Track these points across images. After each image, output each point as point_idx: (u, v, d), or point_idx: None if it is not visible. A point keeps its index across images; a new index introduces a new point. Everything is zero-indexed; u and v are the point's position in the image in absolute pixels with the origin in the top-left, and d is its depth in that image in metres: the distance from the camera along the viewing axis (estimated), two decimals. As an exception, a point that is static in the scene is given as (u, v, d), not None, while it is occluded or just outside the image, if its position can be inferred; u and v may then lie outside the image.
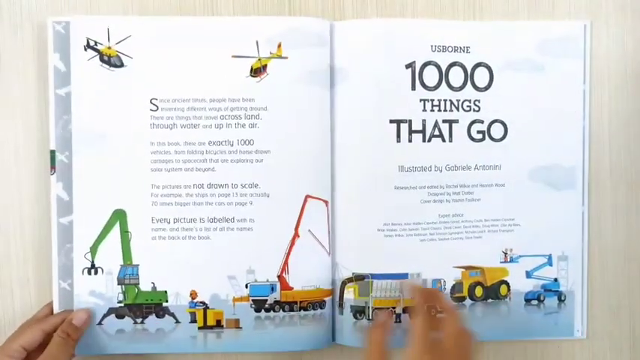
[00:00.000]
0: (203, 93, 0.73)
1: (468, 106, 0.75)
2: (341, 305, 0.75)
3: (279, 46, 0.73)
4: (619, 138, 0.77)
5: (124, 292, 0.73)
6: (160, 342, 0.74)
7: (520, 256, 0.77)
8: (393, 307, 0.75)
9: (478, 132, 0.76)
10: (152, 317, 0.74)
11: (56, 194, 0.72)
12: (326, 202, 0.74)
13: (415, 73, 0.74)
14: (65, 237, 0.72)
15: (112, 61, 0.73)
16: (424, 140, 0.75)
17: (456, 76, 0.75)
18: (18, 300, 0.75)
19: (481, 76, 0.75)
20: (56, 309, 0.72)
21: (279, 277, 0.74)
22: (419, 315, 0.64)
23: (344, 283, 0.75)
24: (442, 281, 0.76)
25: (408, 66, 0.74)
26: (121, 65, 0.73)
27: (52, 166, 0.72)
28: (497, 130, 0.76)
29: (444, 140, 0.75)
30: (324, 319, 0.75)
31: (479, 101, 0.75)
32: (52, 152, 0.72)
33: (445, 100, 0.75)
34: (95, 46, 0.72)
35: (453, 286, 0.76)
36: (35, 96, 0.74)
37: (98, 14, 0.74)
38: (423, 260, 0.75)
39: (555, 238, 0.77)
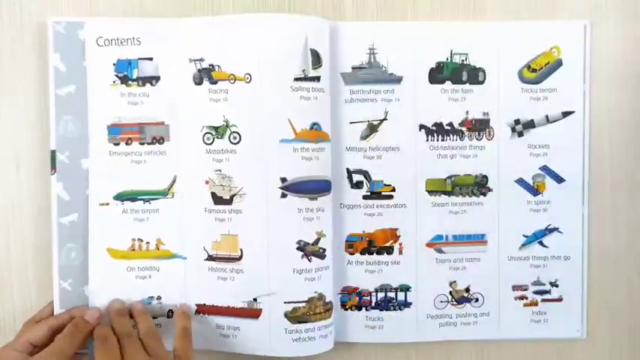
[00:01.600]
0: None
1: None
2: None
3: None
4: (619, 138, 0.77)
5: None
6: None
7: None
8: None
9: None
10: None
11: (57, 194, 0.72)
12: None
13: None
14: (65, 237, 0.72)
15: None
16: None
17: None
18: (18, 300, 0.75)
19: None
20: (57, 309, 0.72)
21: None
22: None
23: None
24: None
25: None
26: None
27: (53, 166, 0.72)
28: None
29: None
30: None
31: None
32: (53, 152, 0.72)
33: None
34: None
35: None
36: (36, 96, 0.74)
37: (98, 15, 0.74)
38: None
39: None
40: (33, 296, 0.75)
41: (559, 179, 0.77)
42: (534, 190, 0.77)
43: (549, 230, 0.77)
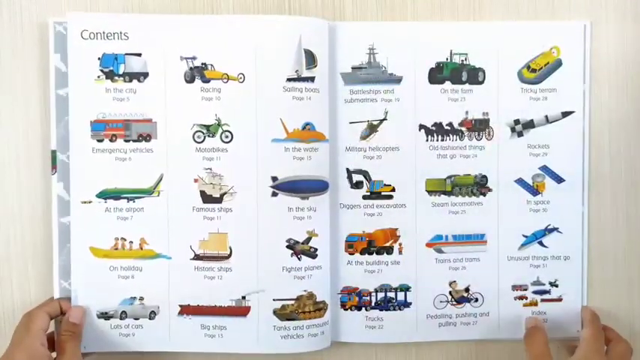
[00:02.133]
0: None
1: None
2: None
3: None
4: (619, 138, 0.77)
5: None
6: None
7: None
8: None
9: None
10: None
11: (57, 194, 0.72)
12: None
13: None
14: (66, 237, 0.73)
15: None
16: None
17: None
18: (18, 300, 0.75)
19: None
20: (58, 309, 0.73)
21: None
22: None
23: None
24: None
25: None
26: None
27: (53, 166, 0.72)
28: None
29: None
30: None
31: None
32: (53, 152, 0.72)
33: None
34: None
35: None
36: (37, 96, 0.74)
37: (98, 13, 0.74)
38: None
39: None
40: (33, 296, 0.75)
41: (559, 179, 0.77)
42: (534, 190, 0.77)
43: (549, 230, 0.77)
